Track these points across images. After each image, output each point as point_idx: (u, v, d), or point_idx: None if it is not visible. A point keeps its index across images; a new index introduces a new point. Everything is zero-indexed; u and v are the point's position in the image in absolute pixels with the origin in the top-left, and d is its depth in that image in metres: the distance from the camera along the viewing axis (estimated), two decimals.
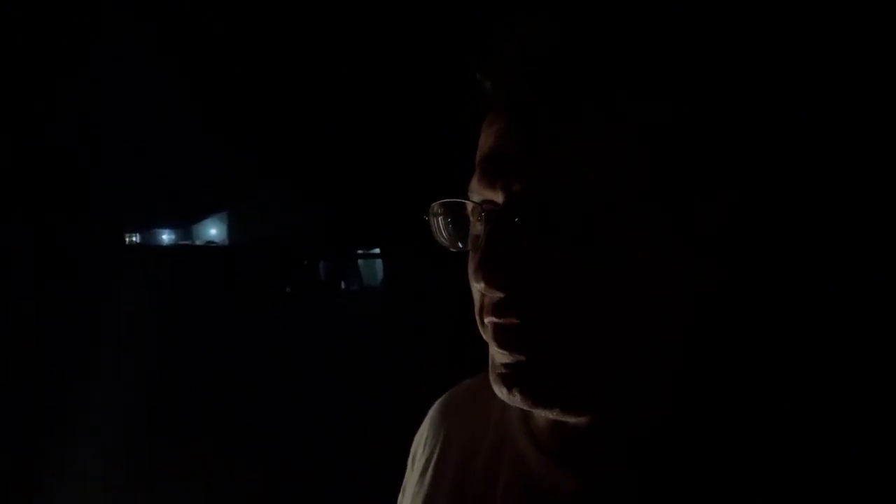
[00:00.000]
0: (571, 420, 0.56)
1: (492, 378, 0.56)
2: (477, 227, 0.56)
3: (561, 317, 0.51)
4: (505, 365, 0.54)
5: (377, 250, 12.35)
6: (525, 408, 0.56)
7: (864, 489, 0.49)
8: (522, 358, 0.53)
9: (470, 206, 0.56)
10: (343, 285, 12.74)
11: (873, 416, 0.53)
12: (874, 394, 0.57)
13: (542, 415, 0.57)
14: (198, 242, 20.23)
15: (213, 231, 21.83)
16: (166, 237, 21.33)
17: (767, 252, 0.61)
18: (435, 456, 0.72)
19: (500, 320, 0.53)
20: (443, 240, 0.59)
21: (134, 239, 17.69)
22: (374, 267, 13.26)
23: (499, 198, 0.53)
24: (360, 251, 12.61)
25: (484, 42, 0.55)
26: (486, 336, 0.56)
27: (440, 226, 0.59)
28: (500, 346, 0.54)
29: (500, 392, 0.55)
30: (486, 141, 0.55)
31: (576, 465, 0.57)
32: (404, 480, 0.78)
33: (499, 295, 0.52)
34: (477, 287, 0.54)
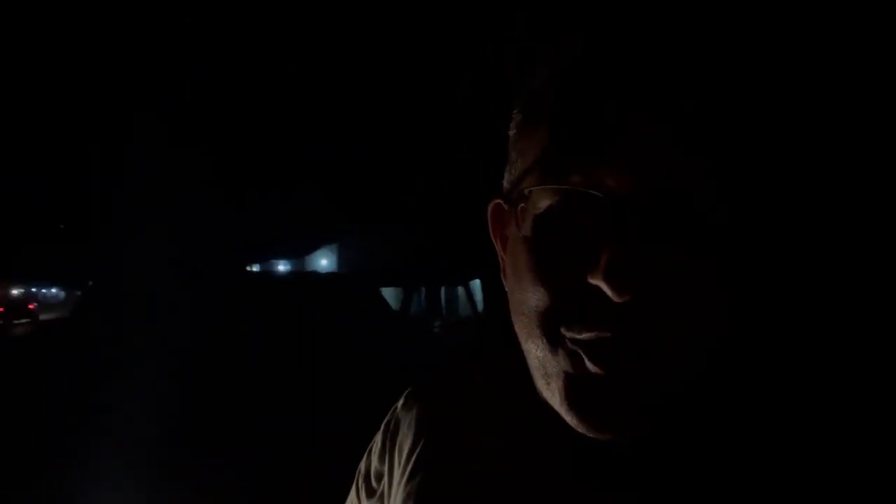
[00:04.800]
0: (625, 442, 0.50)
1: (567, 401, 0.48)
2: (570, 217, 0.48)
3: (669, 330, 0.46)
4: (596, 382, 0.47)
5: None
6: (603, 436, 0.48)
7: (869, 493, 0.47)
8: (621, 375, 0.47)
9: (575, 193, 0.47)
10: (440, 315, 13.28)
11: (880, 421, 0.52)
12: (881, 398, 0.54)
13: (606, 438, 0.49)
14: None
15: (323, 262, 23.43)
16: (282, 267, 23.15)
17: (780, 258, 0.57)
18: (418, 456, 0.64)
19: (608, 333, 0.46)
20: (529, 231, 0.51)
21: (254, 269, 19.38)
22: (457, 297, 13.79)
23: (624, 186, 0.46)
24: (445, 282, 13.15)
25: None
26: (568, 346, 0.48)
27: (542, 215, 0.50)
28: (597, 359, 0.47)
29: (581, 418, 0.48)
30: (615, 115, 0.47)
31: (618, 488, 0.51)
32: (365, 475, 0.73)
33: (622, 299, 0.45)
34: (557, 289, 0.48)
